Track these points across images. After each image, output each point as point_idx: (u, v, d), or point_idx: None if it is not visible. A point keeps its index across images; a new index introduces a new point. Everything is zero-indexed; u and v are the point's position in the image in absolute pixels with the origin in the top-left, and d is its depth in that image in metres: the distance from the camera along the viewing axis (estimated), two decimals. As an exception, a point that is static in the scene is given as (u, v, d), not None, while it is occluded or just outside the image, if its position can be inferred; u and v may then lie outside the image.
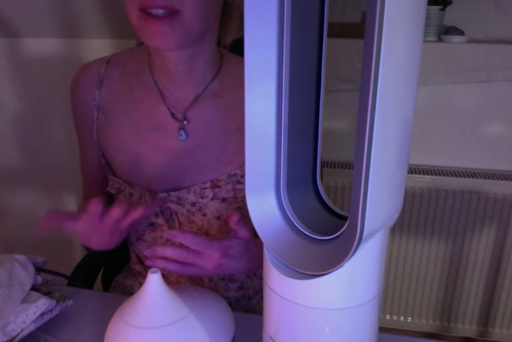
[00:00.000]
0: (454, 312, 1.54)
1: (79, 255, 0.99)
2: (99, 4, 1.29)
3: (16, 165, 1.66)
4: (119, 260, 0.95)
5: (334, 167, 1.45)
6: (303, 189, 0.41)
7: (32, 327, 0.61)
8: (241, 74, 0.75)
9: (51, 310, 0.63)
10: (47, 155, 1.62)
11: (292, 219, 0.39)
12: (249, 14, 0.33)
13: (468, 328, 1.55)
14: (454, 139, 1.43)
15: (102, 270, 0.97)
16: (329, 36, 0.36)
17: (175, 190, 0.76)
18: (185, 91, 0.74)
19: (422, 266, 1.50)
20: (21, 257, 0.67)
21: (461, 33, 1.31)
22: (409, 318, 1.58)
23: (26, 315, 0.60)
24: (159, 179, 0.76)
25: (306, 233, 0.38)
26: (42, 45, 1.46)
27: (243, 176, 0.75)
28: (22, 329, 0.59)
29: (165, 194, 0.76)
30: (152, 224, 0.79)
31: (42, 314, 0.62)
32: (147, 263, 0.61)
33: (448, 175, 1.40)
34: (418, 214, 1.44)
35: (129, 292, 0.87)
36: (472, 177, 1.39)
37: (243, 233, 0.63)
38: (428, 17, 1.30)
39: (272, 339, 0.42)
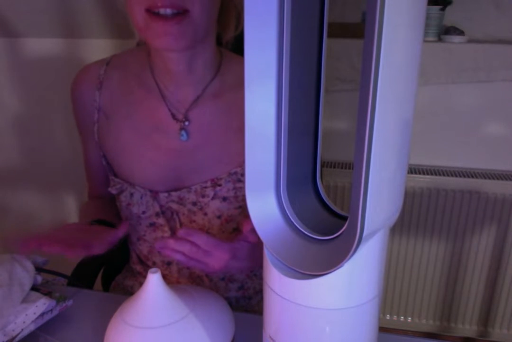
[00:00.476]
0: (454, 312, 1.54)
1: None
2: (99, 4, 1.29)
3: (16, 165, 1.66)
4: (119, 260, 0.95)
5: (334, 167, 1.45)
6: (303, 189, 0.41)
7: (32, 327, 0.61)
8: (241, 74, 0.75)
9: (51, 310, 0.63)
10: (47, 155, 1.62)
11: (292, 219, 0.39)
12: (249, 14, 0.33)
13: (468, 328, 1.55)
14: (454, 139, 1.43)
15: (102, 270, 0.97)
16: (329, 36, 0.36)
17: (176, 189, 0.76)
18: (186, 91, 0.74)
19: (422, 266, 1.50)
20: (21, 257, 0.67)
21: (461, 33, 1.31)
22: (409, 318, 1.58)
23: (26, 315, 0.60)
24: (160, 179, 0.76)
25: (306, 233, 0.38)
26: (42, 45, 1.46)
27: (243, 175, 0.75)
28: (22, 329, 0.59)
29: (166, 194, 0.76)
30: (153, 224, 0.79)
31: (42, 314, 0.62)
32: (157, 245, 0.60)
33: (448, 175, 1.40)
34: (418, 214, 1.44)
35: (129, 292, 0.87)
36: (472, 177, 1.39)
37: (253, 238, 0.63)
38: (428, 17, 1.30)
39: (272, 339, 0.42)
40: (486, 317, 1.53)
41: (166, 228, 0.79)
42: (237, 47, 0.80)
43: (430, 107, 1.40)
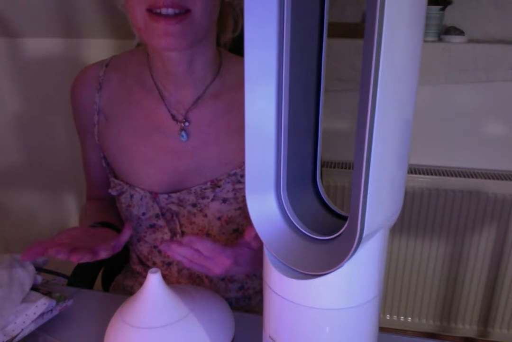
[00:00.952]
0: (454, 312, 1.54)
1: (79, 255, 0.98)
2: (99, 4, 1.29)
3: (16, 165, 1.66)
4: (119, 260, 0.95)
5: (334, 167, 1.45)
6: (303, 189, 0.41)
7: (32, 327, 0.61)
8: (241, 74, 0.75)
9: (51, 310, 0.63)
10: (47, 155, 1.62)
11: (292, 219, 0.39)
12: (249, 14, 0.33)
13: (468, 328, 1.55)
14: (454, 139, 1.43)
15: (102, 270, 0.97)
16: (329, 36, 0.36)
17: (175, 191, 0.76)
18: (186, 92, 0.74)
19: (422, 266, 1.50)
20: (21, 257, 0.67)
21: (461, 33, 1.31)
22: (409, 318, 1.58)
23: (26, 315, 0.60)
24: (160, 180, 0.76)
25: (306, 233, 0.38)
26: (42, 45, 1.46)
27: (243, 176, 0.75)
28: (22, 329, 0.59)
29: (165, 196, 0.76)
30: (153, 226, 0.79)
31: (42, 314, 0.62)
32: (161, 246, 0.61)
33: (448, 175, 1.40)
34: (418, 214, 1.44)
35: (129, 292, 0.87)
36: (472, 177, 1.38)
37: (256, 244, 0.63)
38: (428, 17, 1.30)
39: (272, 339, 0.42)
40: (486, 317, 1.53)
41: (166, 230, 0.79)
42: (235, 48, 0.79)
43: (430, 107, 1.40)
